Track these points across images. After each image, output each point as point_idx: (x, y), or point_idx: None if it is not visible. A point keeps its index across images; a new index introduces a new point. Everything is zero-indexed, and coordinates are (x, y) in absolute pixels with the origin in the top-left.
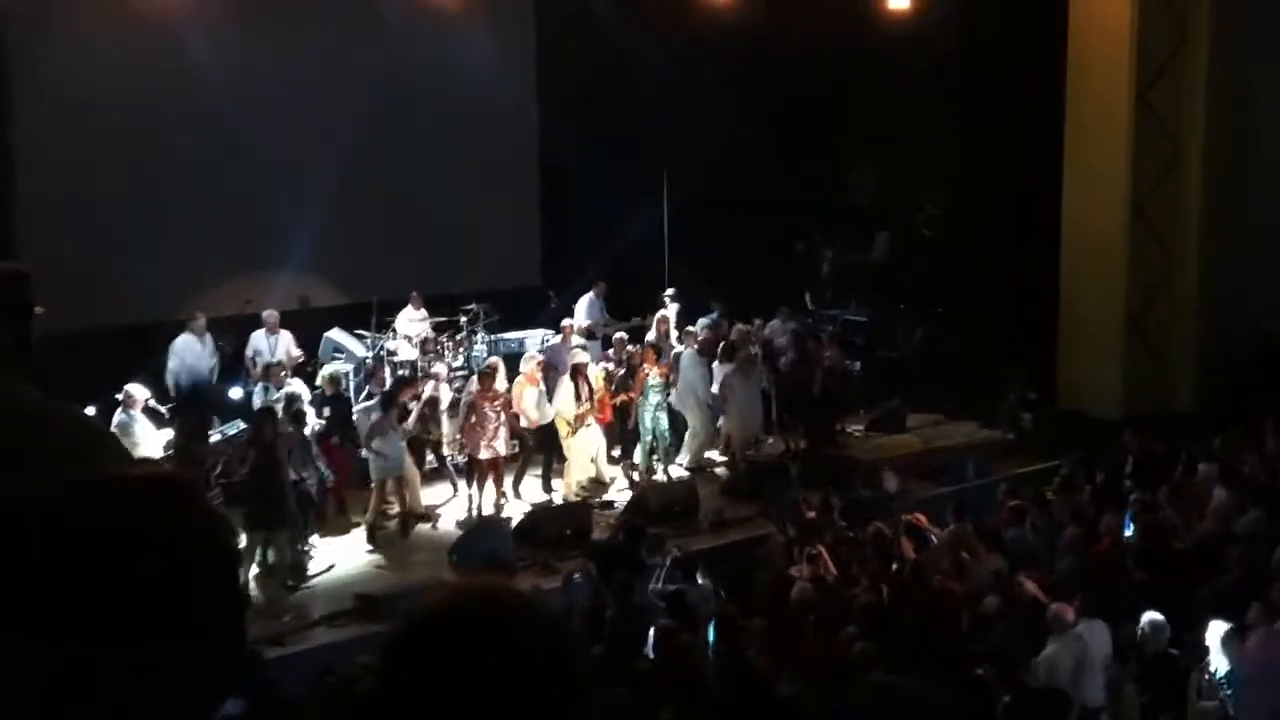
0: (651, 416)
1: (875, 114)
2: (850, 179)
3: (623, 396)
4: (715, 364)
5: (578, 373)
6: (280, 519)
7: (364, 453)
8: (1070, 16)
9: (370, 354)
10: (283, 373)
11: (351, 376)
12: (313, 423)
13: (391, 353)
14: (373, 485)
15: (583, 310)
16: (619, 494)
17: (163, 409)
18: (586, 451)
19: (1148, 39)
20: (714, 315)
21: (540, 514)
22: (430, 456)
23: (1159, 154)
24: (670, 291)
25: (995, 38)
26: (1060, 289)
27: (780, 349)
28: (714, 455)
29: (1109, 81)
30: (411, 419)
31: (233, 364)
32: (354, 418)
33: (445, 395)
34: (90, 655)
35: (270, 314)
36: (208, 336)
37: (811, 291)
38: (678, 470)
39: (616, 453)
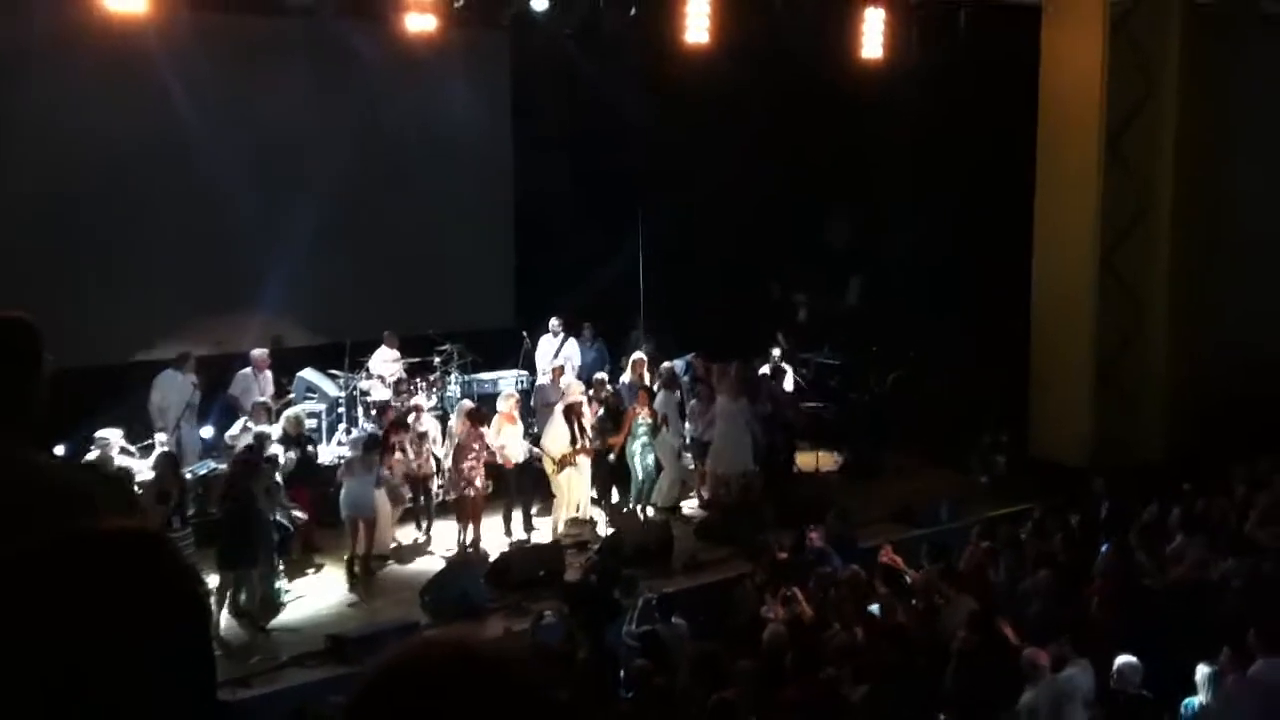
0: (641, 458)
1: (850, 160)
2: (825, 224)
3: (611, 439)
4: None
5: (571, 412)
6: (252, 558)
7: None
8: (1041, 66)
9: (343, 394)
10: (268, 412)
11: (324, 416)
12: (282, 461)
13: (365, 392)
14: (345, 524)
15: (546, 351)
16: (598, 535)
17: (134, 449)
18: (573, 491)
19: (1117, 87)
20: (689, 356)
21: (513, 555)
22: (410, 493)
23: (1129, 204)
24: (637, 334)
25: (967, 87)
26: (1030, 337)
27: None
28: (686, 498)
29: (1079, 130)
30: (396, 456)
31: (204, 403)
32: (319, 457)
33: (433, 427)
34: (61, 711)
35: (260, 352)
36: (189, 375)
37: (784, 334)
38: (651, 511)
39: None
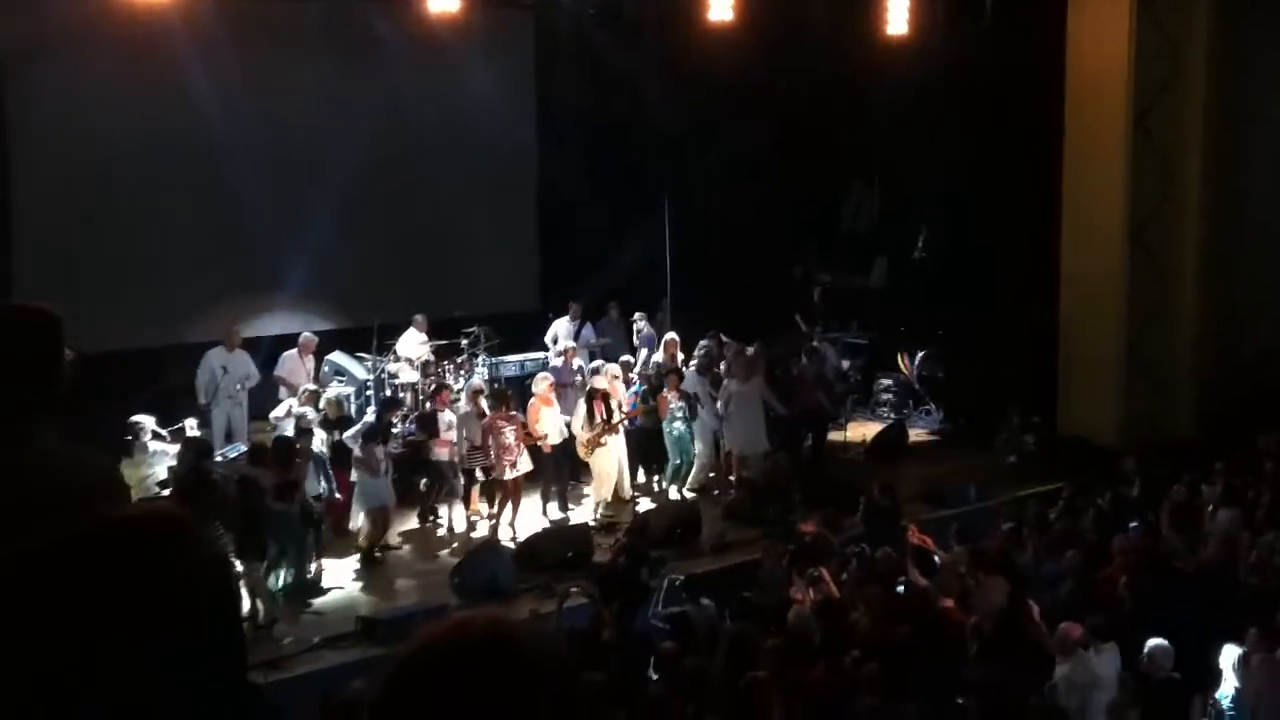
0: (677, 439)
1: (874, 141)
2: (848, 205)
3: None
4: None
5: (594, 396)
6: (261, 550)
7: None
8: (1067, 45)
9: (371, 376)
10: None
11: (353, 399)
12: (320, 442)
13: (393, 375)
14: (363, 515)
15: (562, 333)
16: (626, 516)
17: (165, 433)
18: (608, 471)
19: (1144, 65)
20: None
21: (541, 537)
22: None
23: (1156, 182)
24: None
25: (993, 66)
26: (1059, 316)
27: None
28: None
29: (1106, 109)
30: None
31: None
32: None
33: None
34: (94, 696)
35: (308, 337)
36: (237, 352)
37: (803, 315)
38: (680, 492)
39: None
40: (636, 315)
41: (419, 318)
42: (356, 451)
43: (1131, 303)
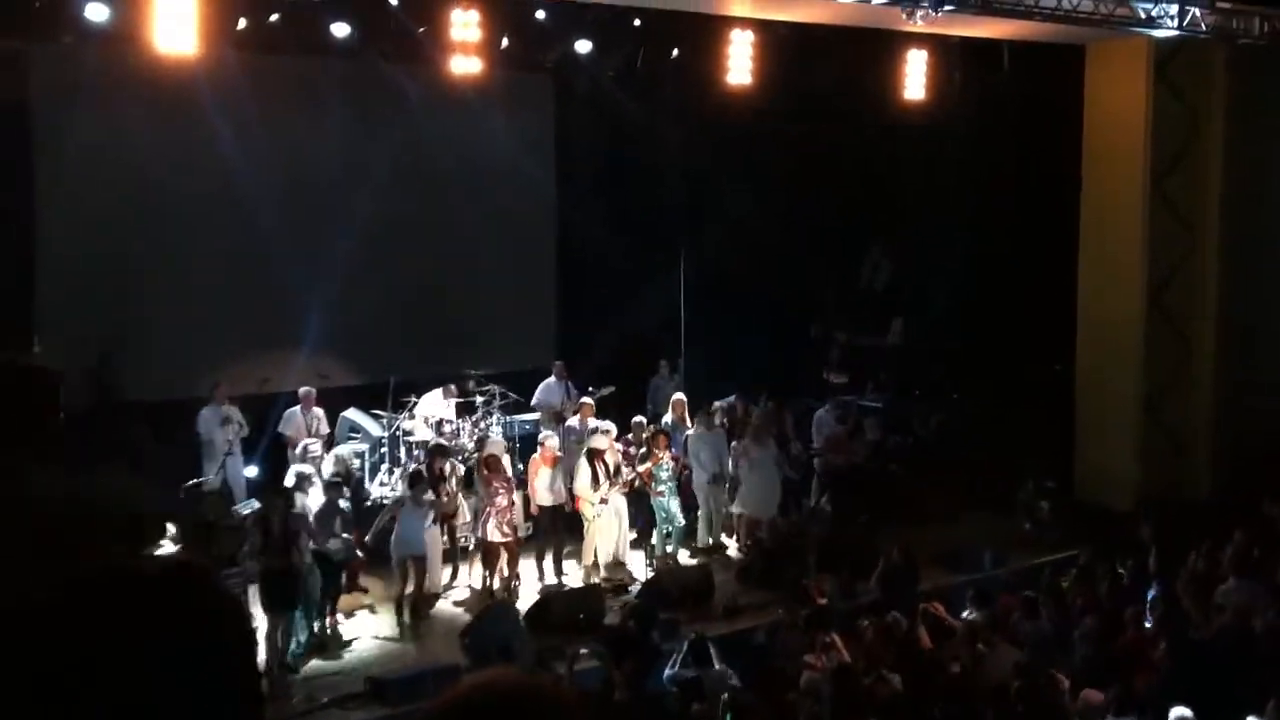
0: (661, 502)
1: (892, 200)
2: (867, 263)
3: (637, 477)
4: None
5: (594, 456)
6: (294, 601)
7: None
8: (1085, 106)
9: (386, 434)
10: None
11: (367, 456)
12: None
13: (408, 433)
14: (394, 565)
15: (542, 393)
16: (636, 578)
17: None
18: (607, 534)
19: (1162, 128)
20: (732, 398)
21: (552, 598)
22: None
23: (1175, 244)
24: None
25: (1011, 126)
26: (1076, 378)
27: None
28: (727, 540)
29: (1124, 171)
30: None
31: (253, 441)
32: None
33: (457, 472)
34: None
35: (305, 390)
36: (223, 407)
37: (823, 375)
38: (690, 554)
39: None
40: (660, 371)
41: (451, 386)
42: (400, 492)
43: (1149, 364)
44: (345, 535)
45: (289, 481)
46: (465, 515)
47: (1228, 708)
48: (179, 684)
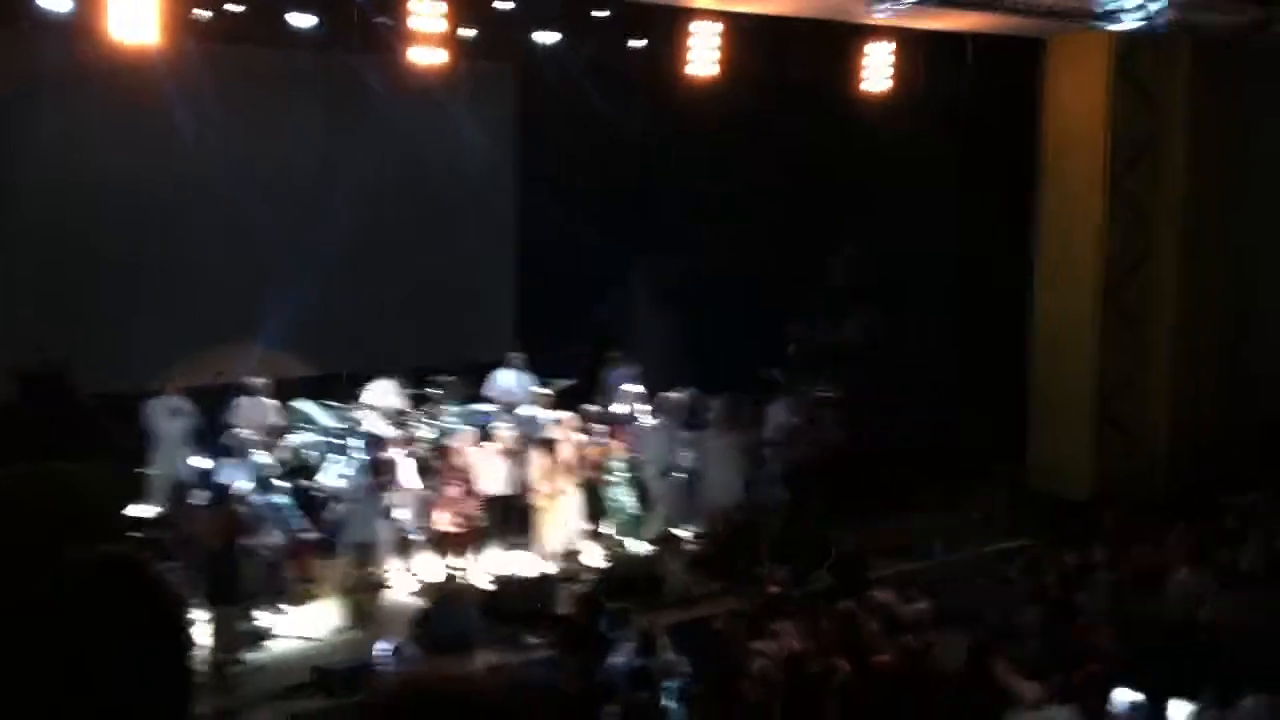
0: (614, 490)
1: (856, 193)
2: (828, 258)
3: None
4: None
5: (549, 446)
6: (236, 591)
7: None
8: (1045, 100)
9: (338, 424)
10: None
11: (318, 447)
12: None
13: (359, 423)
14: (343, 555)
15: (499, 384)
16: (588, 567)
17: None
18: (560, 523)
19: (1123, 127)
20: (688, 389)
21: (505, 588)
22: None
23: (1135, 240)
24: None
25: (974, 119)
26: (1030, 372)
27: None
28: (680, 530)
29: (1082, 166)
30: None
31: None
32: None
33: (410, 462)
34: None
35: (256, 381)
36: (172, 400)
37: (779, 369)
38: (643, 543)
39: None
40: (613, 361)
41: (402, 379)
42: (351, 482)
43: (1105, 360)
44: (294, 525)
45: (237, 473)
46: (415, 505)
47: (1171, 695)
48: (115, 675)
